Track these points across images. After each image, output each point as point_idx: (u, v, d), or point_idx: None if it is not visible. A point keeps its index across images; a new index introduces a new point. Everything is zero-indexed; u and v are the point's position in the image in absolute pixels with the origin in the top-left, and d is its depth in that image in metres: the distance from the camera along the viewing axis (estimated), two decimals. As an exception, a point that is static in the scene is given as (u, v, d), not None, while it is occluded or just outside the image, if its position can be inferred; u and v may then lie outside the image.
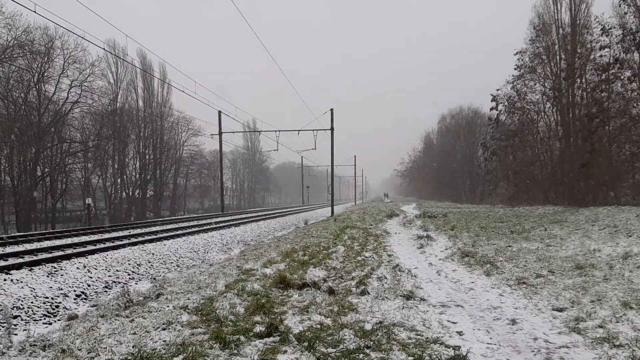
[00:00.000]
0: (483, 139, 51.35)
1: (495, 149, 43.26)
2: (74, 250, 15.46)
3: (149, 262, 15.23)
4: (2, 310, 8.59)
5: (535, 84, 37.22)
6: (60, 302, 10.20)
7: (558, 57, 34.57)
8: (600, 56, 30.25)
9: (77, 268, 12.82)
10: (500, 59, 56.92)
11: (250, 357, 4.57)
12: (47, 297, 10.21)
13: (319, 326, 5.60)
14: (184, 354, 4.52)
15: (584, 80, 32.22)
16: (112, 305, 7.59)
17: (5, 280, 10.73)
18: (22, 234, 23.75)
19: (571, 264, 9.69)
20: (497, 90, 40.81)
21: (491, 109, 42.81)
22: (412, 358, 4.53)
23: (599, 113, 29.49)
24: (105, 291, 11.69)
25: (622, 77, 28.72)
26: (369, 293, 7.38)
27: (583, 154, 30.63)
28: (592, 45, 31.21)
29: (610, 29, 28.91)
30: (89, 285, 11.74)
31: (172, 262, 16.01)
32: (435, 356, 4.60)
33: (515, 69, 38.14)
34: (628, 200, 27.83)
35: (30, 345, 5.33)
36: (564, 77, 33.21)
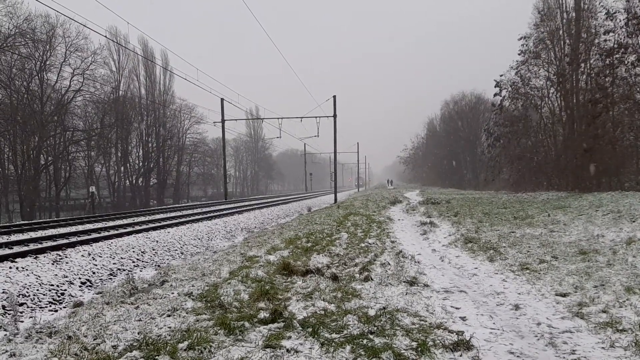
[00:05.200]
0: (486, 125, 51.13)
1: (498, 135, 43.08)
2: (79, 238, 15.52)
3: (153, 250, 15.31)
4: (8, 297, 8.67)
5: (539, 70, 36.92)
6: (65, 290, 10.28)
7: (562, 42, 34.26)
8: (605, 41, 29.93)
9: (82, 256, 12.90)
10: (504, 44, 56.47)
11: (255, 342, 4.60)
12: (52, 285, 10.29)
13: (322, 312, 5.62)
14: (189, 340, 4.55)
15: (588, 65, 31.93)
16: (117, 293, 7.64)
17: (11, 268, 10.81)
18: (26, 222, 23.87)
19: (574, 249, 9.69)
20: (501, 75, 40.60)
21: (495, 94, 42.64)
22: (415, 343, 4.55)
23: (603, 98, 29.26)
24: (110, 278, 11.77)
25: (626, 62, 28.45)
26: (372, 279, 7.39)
27: (587, 139, 30.47)
28: (597, 29, 30.89)
29: (615, 13, 28.58)
30: (93, 273, 11.82)
31: (176, 250, 16.09)
32: (438, 341, 4.62)
33: (519, 54, 37.87)
34: (632, 185, 27.74)
35: (37, 332, 5.36)
36: (568, 62, 32.94)
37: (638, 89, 28.51)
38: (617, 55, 28.56)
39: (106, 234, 17.16)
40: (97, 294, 9.48)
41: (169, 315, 5.57)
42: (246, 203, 43.75)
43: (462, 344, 4.54)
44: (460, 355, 4.38)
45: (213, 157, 68.74)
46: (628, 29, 27.78)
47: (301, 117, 38.36)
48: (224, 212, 29.01)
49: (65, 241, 14.89)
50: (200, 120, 58.64)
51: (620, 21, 28.39)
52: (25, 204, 35.45)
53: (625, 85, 28.97)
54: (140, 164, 52.68)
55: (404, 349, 4.41)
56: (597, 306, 5.72)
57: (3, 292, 9.07)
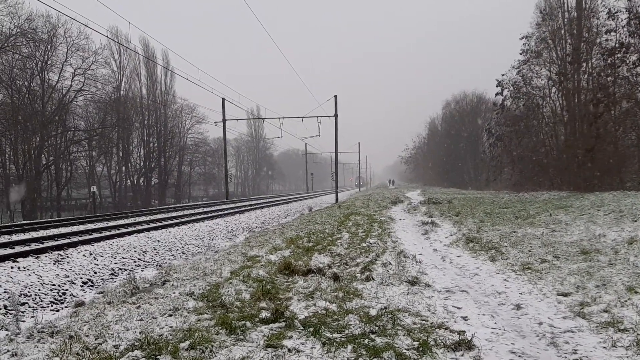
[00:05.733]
0: (488, 124, 51.11)
1: (500, 135, 43.04)
2: (80, 238, 15.54)
3: (155, 249, 15.31)
4: (10, 297, 8.67)
5: (540, 69, 36.87)
6: (67, 289, 10.28)
7: (564, 41, 34.20)
8: (606, 40, 29.90)
9: (84, 255, 12.91)
10: (505, 44, 56.37)
11: (257, 342, 4.60)
12: (54, 285, 10.30)
13: (324, 312, 5.62)
14: (191, 340, 4.55)
15: (589, 64, 31.88)
16: (119, 292, 7.64)
17: (12, 268, 10.82)
18: (28, 222, 23.89)
19: (576, 249, 9.67)
20: (502, 75, 40.59)
21: (496, 94, 42.64)
22: (417, 343, 4.55)
23: (605, 98, 29.23)
24: (112, 278, 11.78)
25: (627, 62, 28.41)
26: (373, 279, 7.38)
27: (588, 139, 30.42)
28: (598, 29, 30.84)
29: (616, 12, 28.56)
30: (95, 273, 11.83)
31: (177, 249, 16.09)
32: (440, 341, 4.61)
33: (520, 53, 37.87)
34: (634, 185, 27.66)
35: (38, 332, 5.37)
36: (570, 61, 32.89)
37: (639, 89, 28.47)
38: (618, 55, 28.52)
39: (108, 233, 17.18)
40: (99, 293, 9.50)
41: (170, 315, 5.58)
42: (247, 203, 43.77)
43: (464, 344, 4.53)
44: (462, 355, 4.37)
45: (214, 157, 68.83)
46: (630, 29, 27.76)
47: (302, 116, 38.40)
48: (225, 211, 29.01)
49: (66, 241, 14.90)
50: (201, 120, 58.70)
51: (622, 20, 28.38)
52: (27, 204, 35.50)
53: (627, 84, 28.92)
54: (142, 163, 52.70)
55: (406, 349, 4.41)
56: (599, 306, 5.71)
57: (5, 292, 9.08)
